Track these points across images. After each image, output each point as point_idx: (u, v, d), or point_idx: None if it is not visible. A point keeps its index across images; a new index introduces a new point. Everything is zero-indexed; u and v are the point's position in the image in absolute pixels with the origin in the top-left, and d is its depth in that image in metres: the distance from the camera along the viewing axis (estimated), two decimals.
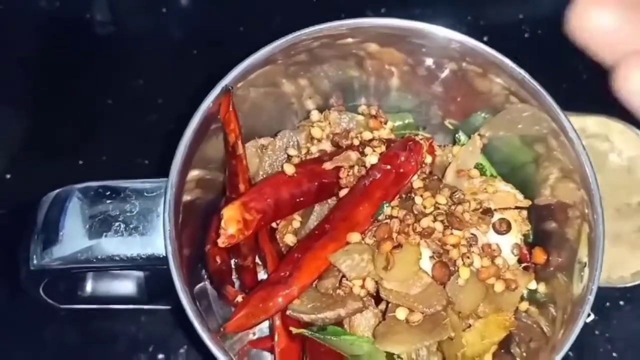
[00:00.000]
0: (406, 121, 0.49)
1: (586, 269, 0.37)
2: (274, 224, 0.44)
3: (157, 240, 0.36)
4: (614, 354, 0.54)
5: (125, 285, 0.47)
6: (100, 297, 0.48)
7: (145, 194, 0.37)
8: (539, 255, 0.42)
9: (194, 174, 0.41)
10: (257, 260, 0.44)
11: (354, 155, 0.43)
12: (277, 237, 0.44)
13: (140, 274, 0.46)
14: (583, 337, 0.53)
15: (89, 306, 0.48)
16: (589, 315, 0.35)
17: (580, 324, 0.35)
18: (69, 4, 0.67)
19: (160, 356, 0.52)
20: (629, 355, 0.54)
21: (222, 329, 0.38)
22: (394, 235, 0.40)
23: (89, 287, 0.47)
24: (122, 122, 0.61)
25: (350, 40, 0.44)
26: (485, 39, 0.64)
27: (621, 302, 0.55)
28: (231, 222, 0.38)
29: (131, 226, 0.36)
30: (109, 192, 0.37)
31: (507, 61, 0.41)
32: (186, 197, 0.40)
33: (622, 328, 0.54)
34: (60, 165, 0.59)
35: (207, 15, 0.67)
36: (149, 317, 0.52)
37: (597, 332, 0.54)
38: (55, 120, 0.61)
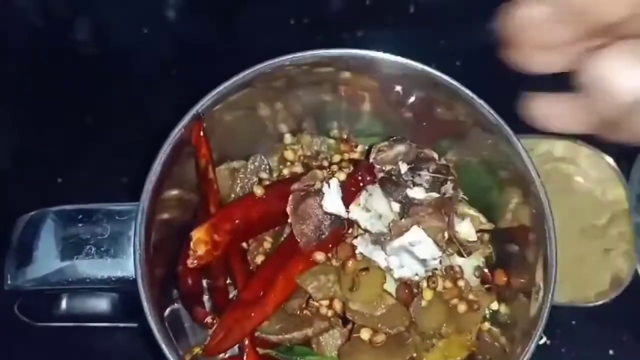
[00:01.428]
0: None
1: (540, 293, 0.38)
2: (245, 245, 0.45)
3: (127, 263, 0.37)
4: None
5: (100, 303, 0.48)
6: (75, 315, 0.49)
7: (117, 217, 0.38)
8: (500, 277, 0.43)
9: (167, 195, 0.43)
10: (229, 280, 0.45)
11: (320, 174, 0.45)
12: (249, 258, 0.45)
13: (114, 293, 0.47)
14: (549, 355, 0.56)
15: (64, 324, 0.49)
16: (541, 337, 0.37)
17: (532, 346, 0.36)
18: (50, 23, 0.68)
19: None
20: None
21: (201, 350, 0.39)
22: (358, 255, 0.42)
23: (64, 305, 0.48)
24: (102, 141, 0.62)
25: (324, 68, 0.45)
26: (457, 63, 0.67)
27: (587, 321, 0.56)
28: (200, 243, 0.39)
29: (102, 249, 0.37)
30: (81, 216, 0.38)
31: (468, 92, 0.43)
32: (159, 219, 0.41)
33: (587, 347, 0.56)
34: (39, 184, 0.60)
35: (190, 36, 0.68)
36: (123, 334, 0.53)
37: (563, 350, 0.56)
38: (35, 137, 0.62)
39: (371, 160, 0.44)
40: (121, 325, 0.51)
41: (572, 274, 0.54)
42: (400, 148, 0.43)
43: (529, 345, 0.36)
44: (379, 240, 0.41)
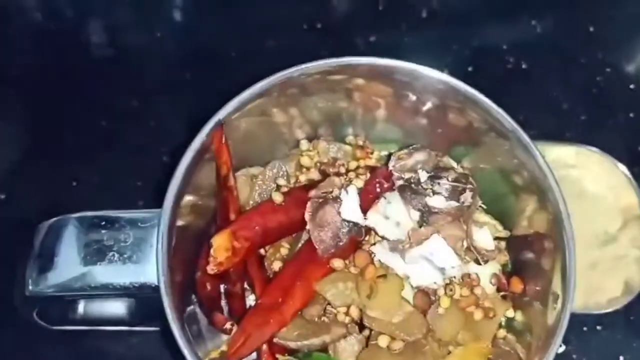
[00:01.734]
0: (392, 151, 0.50)
1: (559, 301, 0.38)
2: (262, 251, 0.45)
3: (149, 270, 0.37)
4: None
5: (116, 307, 0.49)
6: (92, 318, 0.49)
7: (140, 224, 0.38)
8: (516, 285, 0.44)
9: (186, 202, 0.43)
10: (246, 286, 0.45)
11: (338, 180, 0.45)
12: (266, 264, 0.45)
13: (133, 298, 0.48)
14: None
15: (80, 327, 0.50)
16: (560, 346, 0.37)
17: (552, 355, 0.36)
18: (64, 26, 0.69)
19: None
20: None
21: (218, 355, 0.39)
22: (376, 262, 0.42)
23: (80, 309, 0.49)
24: (115, 144, 0.62)
25: (339, 76, 0.46)
26: (469, 69, 0.67)
27: (598, 328, 0.56)
28: (220, 250, 0.40)
29: (125, 255, 0.37)
30: (104, 222, 0.38)
31: (485, 99, 0.43)
32: (178, 225, 0.42)
33: (598, 353, 0.56)
34: (53, 186, 0.60)
35: (202, 38, 0.68)
36: (139, 337, 0.53)
37: (574, 357, 0.56)
38: (49, 140, 0.63)
39: (390, 167, 0.44)
40: (138, 329, 0.51)
41: (584, 281, 0.55)
42: (420, 156, 0.43)
43: (549, 353, 0.36)
44: (397, 247, 0.41)
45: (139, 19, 0.70)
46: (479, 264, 0.43)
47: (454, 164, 0.45)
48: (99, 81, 0.65)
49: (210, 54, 0.67)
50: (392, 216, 0.42)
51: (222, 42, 0.68)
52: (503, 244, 0.46)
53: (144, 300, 0.48)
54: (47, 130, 0.63)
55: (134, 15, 0.70)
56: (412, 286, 0.42)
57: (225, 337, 0.43)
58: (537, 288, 0.43)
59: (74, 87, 0.64)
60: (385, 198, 0.42)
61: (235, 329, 0.40)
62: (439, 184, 0.41)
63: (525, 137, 0.43)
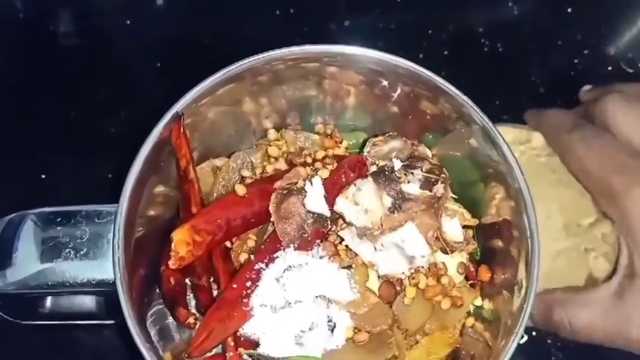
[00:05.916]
0: (361, 140, 0.50)
1: (522, 287, 0.38)
2: (228, 244, 0.45)
3: (107, 266, 0.37)
4: None
5: (85, 301, 0.48)
6: (60, 313, 0.49)
7: (96, 219, 0.38)
8: (484, 273, 0.43)
9: (150, 193, 0.42)
10: (212, 279, 0.45)
11: (303, 171, 0.44)
12: (232, 256, 0.45)
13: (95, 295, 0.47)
14: (536, 345, 0.56)
15: (49, 322, 0.49)
16: (522, 337, 0.37)
17: (515, 341, 0.36)
18: (34, 15, 0.67)
19: None
20: None
21: (185, 355, 0.39)
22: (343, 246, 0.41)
23: (48, 303, 0.48)
24: (86, 135, 0.62)
25: (309, 63, 0.45)
26: (445, 52, 0.66)
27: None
28: (181, 244, 0.39)
29: (81, 252, 0.37)
30: (60, 218, 0.38)
31: (451, 87, 0.42)
32: (141, 219, 0.41)
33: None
34: (22, 179, 0.59)
35: (173, 28, 0.67)
36: (111, 330, 0.53)
37: (549, 341, 0.56)
38: (17, 132, 0.62)
39: (365, 153, 0.43)
40: (106, 322, 0.51)
41: (545, 266, 0.54)
42: (396, 144, 0.43)
43: (512, 338, 0.36)
44: (366, 233, 0.40)
45: (111, 7, 0.69)
46: (446, 253, 0.42)
47: (429, 154, 0.44)
48: (69, 70, 0.64)
49: (182, 42, 0.66)
50: (362, 203, 0.41)
51: (194, 29, 0.67)
52: (471, 232, 0.45)
53: (111, 294, 0.48)
54: (15, 123, 0.62)
55: (105, 3, 0.69)
56: (378, 276, 0.41)
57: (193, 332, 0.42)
58: (505, 276, 0.43)
59: (43, 76, 0.63)
60: (355, 185, 0.42)
61: (198, 323, 0.40)
62: (412, 174, 0.41)
63: (492, 127, 0.42)
